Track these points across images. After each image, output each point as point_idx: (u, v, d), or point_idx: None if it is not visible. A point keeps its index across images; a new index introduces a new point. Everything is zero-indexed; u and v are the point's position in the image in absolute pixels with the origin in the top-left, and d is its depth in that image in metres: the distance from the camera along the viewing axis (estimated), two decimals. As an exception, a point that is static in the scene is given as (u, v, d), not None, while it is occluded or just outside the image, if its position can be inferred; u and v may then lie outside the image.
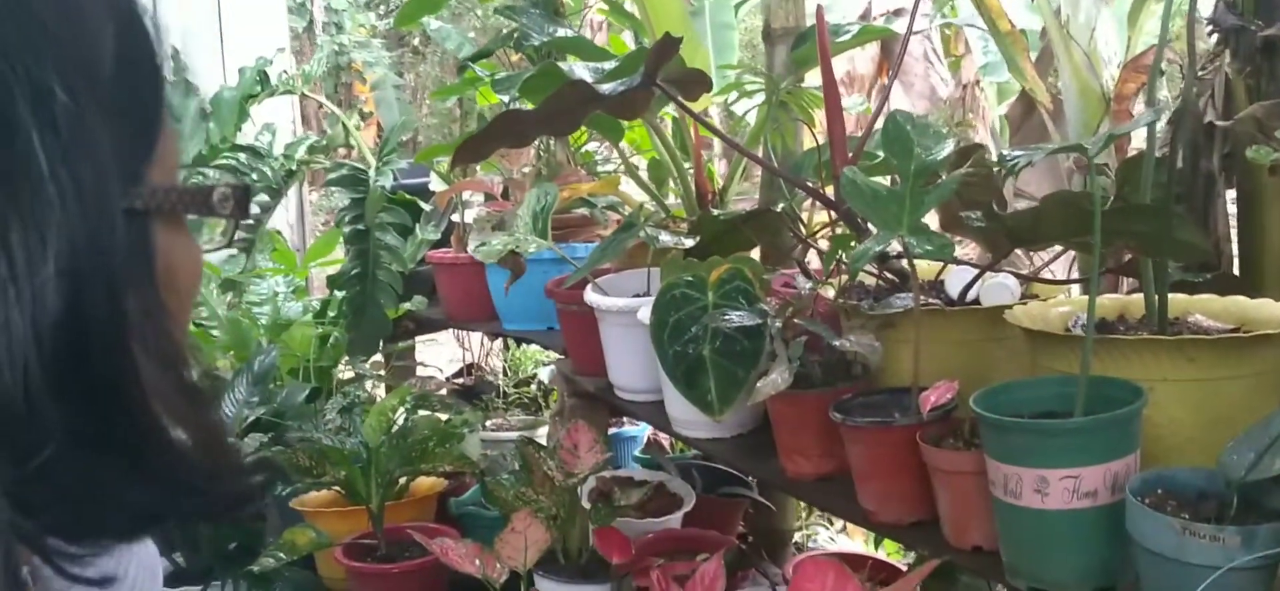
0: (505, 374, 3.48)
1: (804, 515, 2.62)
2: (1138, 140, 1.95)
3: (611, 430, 2.93)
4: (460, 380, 3.52)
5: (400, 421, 2.20)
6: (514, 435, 2.74)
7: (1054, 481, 1.16)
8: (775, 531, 2.36)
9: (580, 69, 1.73)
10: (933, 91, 3.78)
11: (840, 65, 4.17)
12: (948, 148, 1.42)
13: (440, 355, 4.05)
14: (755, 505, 2.37)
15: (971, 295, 1.57)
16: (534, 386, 3.38)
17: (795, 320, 1.55)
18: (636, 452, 2.76)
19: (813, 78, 2.39)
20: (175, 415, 0.51)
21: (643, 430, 2.87)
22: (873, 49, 4.07)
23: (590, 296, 1.92)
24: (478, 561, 1.77)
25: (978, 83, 6.03)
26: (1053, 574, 1.20)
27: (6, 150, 0.44)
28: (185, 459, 0.51)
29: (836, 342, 1.50)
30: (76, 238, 0.45)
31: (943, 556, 1.36)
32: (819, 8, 1.65)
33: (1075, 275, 1.68)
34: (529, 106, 1.69)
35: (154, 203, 0.50)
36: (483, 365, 3.56)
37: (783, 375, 1.50)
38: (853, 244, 1.64)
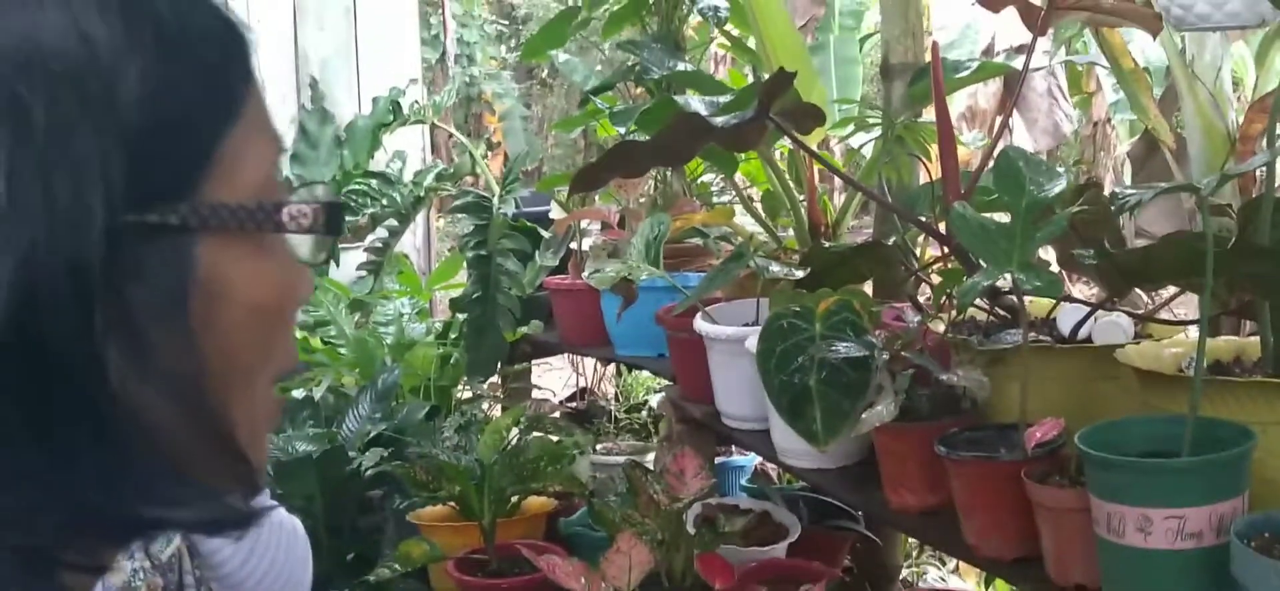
0: (617, 399, 3.54)
1: (913, 553, 2.60)
2: (1260, 181, 1.90)
3: (719, 459, 2.96)
4: (573, 404, 3.58)
5: (513, 440, 2.26)
6: (623, 459, 2.79)
7: (1157, 520, 1.15)
8: (882, 567, 2.35)
9: (696, 102, 1.77)
10: (1056, 128, 3.73)
11: (961, 101, 4.13)
12: (1060, 184, 1.42)
13: (556, 380, 4.12)
14: (862, 539, 2.37)
15: (1083, 333, 1.57)
16: (645, 412, 3.43)
17: (903, 353, 1.56)
18: (744, 482, 2.78)
19: (930, 113, 2.40)
20: (169, 425, 0.51)
21: (751, 460, 2.88)
22: (995, 85, 4.03)
23: (699, 324, 1.95)
24: (583, 579, 1.81)
25: (1108, 120, 5.90)
26: (1155, 614, 1.19)
27: None
28: (166, 468, 0.51)
29: (944, 377, 1.51)
30: (36, 245, 0.46)
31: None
32: (934, 44, 1.67)
33: (1192, 317, 1.65)
34: (644, 138, 1.74)
35: (194, 218, 0.51)
36: (595, 390, 3.62)
37: (888, 407, 1.51)
38: (964, 279, 1.64)
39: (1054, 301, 1.62)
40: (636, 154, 1.68)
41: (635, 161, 1.70)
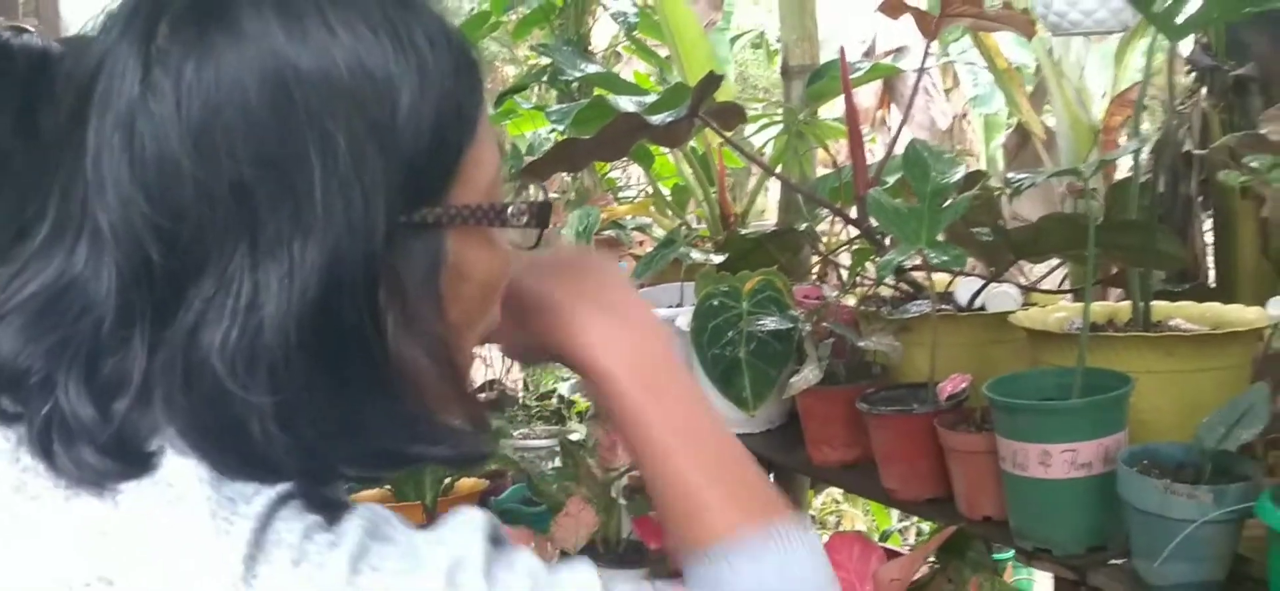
0: (526, 388, 3.67)
1: (817, 511, 2.81)
2: (1123, 167, 2.15)
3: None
4: (484, 394, 3.70)
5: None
6: (542, 443, 2.93)
7: (1056, 454, 1.36)
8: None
9: (626, 102, 1.93)
10: (933, 123, 4.01)
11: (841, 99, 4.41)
12: (959, 172, 1.62)
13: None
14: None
15: (978, 303, 1.78)
16: (554, 399, 3.57)
17: (823, 324, 1.75)
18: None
19: (825, 110, 2.62)
20: (427, 378, 0.65)
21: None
22: (874, 84, 4.31)
23: (630, 307, 2.12)
24: (531, 544, 1.95)
25: (965, 115, 6.26)
26: (1054, 534, 1.40)
27: (295, 183, 0.60)
28: (423, 413, 0.65)
29: (861, 343, 1.70)
30: (340, 244, 0.60)
31: (958, 526, 1.56)
32: (841, 49, 1.86)
33: (1067, 287, 1.89)
34: (582, 136, 1.89)
35: (445, 217, 0.65)
36: (504, 381, 3.74)
37: (813, 372, 1.70)
38: (872, 258, 1.85)
39: (951, 277, 1.83)
40: (579, 150, 1.83)
41: (577, 157, 1.86)
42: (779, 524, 0.77)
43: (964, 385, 1.52)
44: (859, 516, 3.67)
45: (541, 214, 0.73)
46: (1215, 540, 1.25)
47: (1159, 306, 1.64)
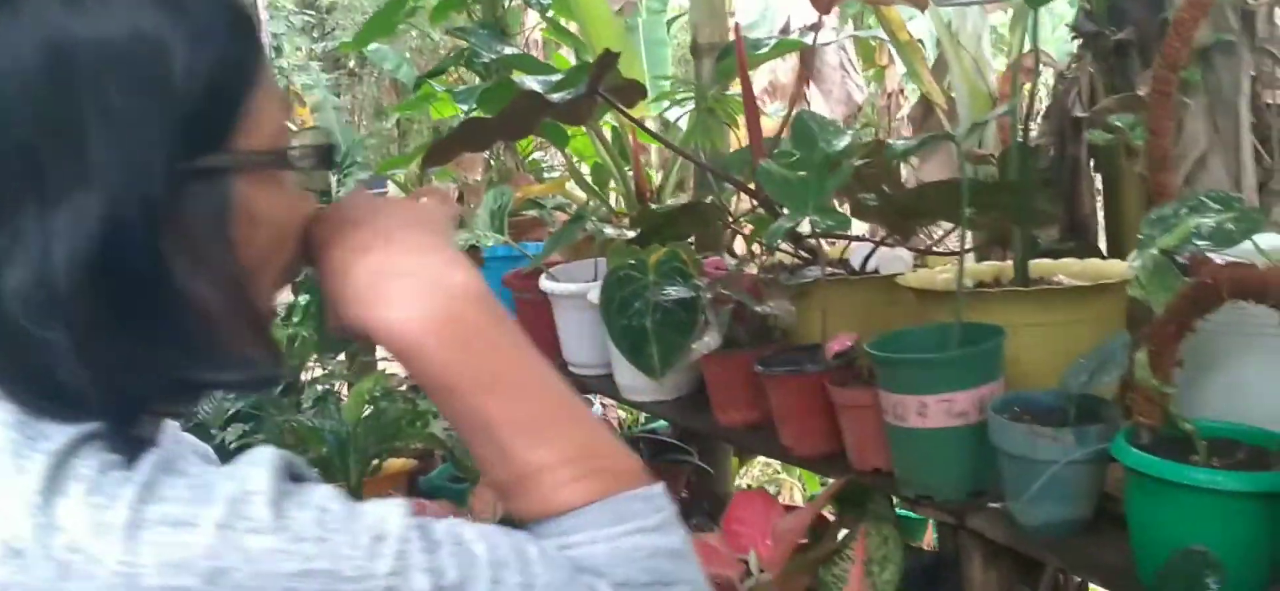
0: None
1: (740, 480, 2.88)
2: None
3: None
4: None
5: (372, 407, 2.42)
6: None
7: (932, 404, 1.43)
8: (715, 494, 2.61)
9: (531, 81, 1.97)
10: (849, 97, 4.08)
11: (763, 76, 4.49)
12: (845, 141, 1.68)
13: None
14: (698, 471, 2.63)
15: (872, 267, 1.85)
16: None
17: (723, 292, 1.81)
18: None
19: (736, 87, 2.67)
20: (218, 312, 0.69)
21: (597, 412, 3.12)
22: (794, 61, 4.38)
23: (545, 283, 2.17)
24: (451, 517, 2.00)
25: (902, 90, 6.37)
26: (934, 480, 1.46)
27: (75, 141, 0.65)
28: (217, 343, 0.69)
29: (758, 308, 1.76)
30: (119, 192, 0.65)
31: (849, 478, 1.62)
32: (736, 26, 1.91)
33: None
34: (488, 116, 1.93)
35: (229, 163, 0.70)
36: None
37: (713, 337, 1.76)
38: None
39: (847, 243, 1.90)
40: (484, 130, 1.87)
41: (483, 136, 1.90)
42: (622, 490, 0.74)
43: (849, 343, 1.58)
44: (796, 483, 3.75)
45: (325, 156, 0.78)
46: (1080, 480, 1.32)
47: (1044, 263, 1.71)
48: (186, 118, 0.68)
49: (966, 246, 1.59)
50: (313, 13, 10.97)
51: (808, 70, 3.93)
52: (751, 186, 1.96)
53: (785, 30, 3.94)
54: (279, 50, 10.23)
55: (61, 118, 0.65)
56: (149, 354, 0.67)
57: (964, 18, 2.30)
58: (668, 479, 2.55)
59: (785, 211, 1.71)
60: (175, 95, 0.68)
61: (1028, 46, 1.73)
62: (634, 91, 1.94)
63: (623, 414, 3.00)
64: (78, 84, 0.65)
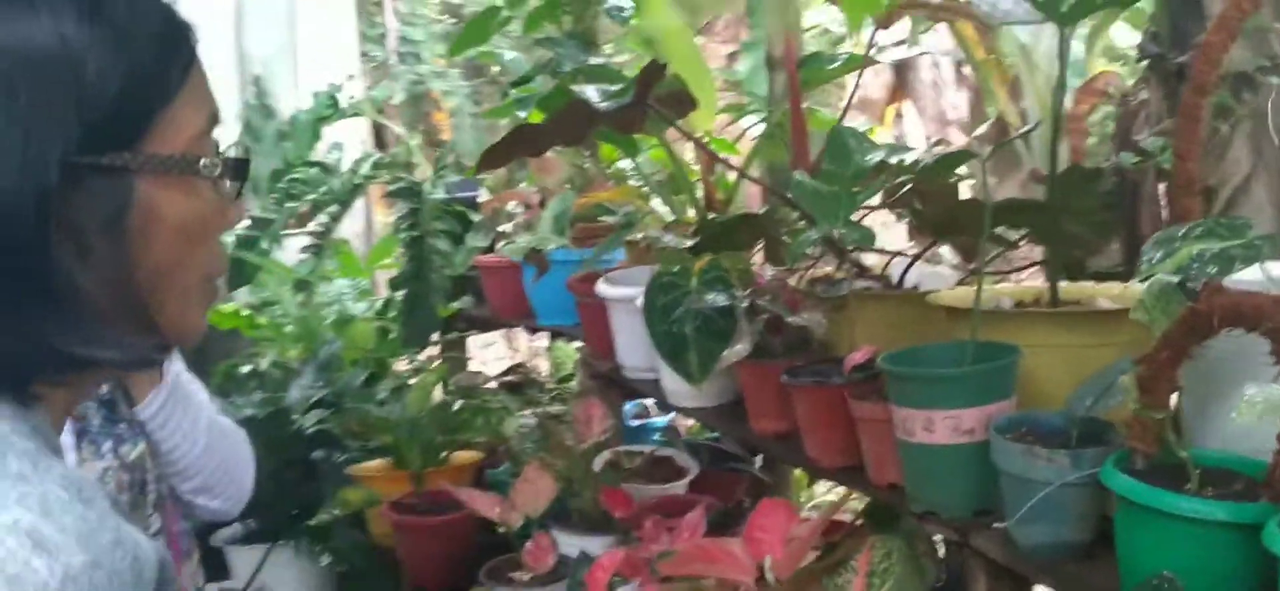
0: (551, 373, 3.80)
1: (805, 493, 2.88)
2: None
3: (640, 421, 3.23)
4: (510, 377, 3.83)
5: (438, 398, 2.51)
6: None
7: (938, 420, 1.43)
8: (773, 504, 2.62)
9: (590, 90, 2.02)
10: (942, 115, 4.03)
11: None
12: (879, 156, 1.69)
13: (494, 356, 4.38)
14: (757, 482, 2.64)
15: (913, 283, 1.85)
16: (573, 382, 3.68)
17: (758, 302, 1.83)
18: (656, 436, 3.05)
19: (816, 98, 2.68)
20: (100, 297, 0.76)
21: (666, 420, 3.15)
22: (886, 75, 4.35)
23: (600, 287, 2.22)
24: (497, 508, 2.06)
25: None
26: (941, 498, 1.46)
27: None
28: (96, 324, 0.76)
29: (791, 319, 1.78)
30: (11, 180, 0.72)
31: (868, 493, 1.63)
32: (788, 42, 1.93)
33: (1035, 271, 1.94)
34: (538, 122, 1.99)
35: (134, 164, 0.77)
36: (529, 365, 3.87)
37: (744, 345, 1.78)
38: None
39: (889, 258, 1.90)
40: (536, 135, 1.93)
41: (534, 142, 1.95)
42: None
43: (868, 356, 1.58)
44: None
45: (238, 169, 0.85)
46: (1078, 503, 1.31)
47: (1087, 287, 1.69)
48: (93, 120, 0.75)
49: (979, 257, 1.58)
50: (454, 21, 11.28)
51: (902, 86, 3.90)
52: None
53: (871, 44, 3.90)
54: (418, 57, 10.55)
55: None
56: (32, 328, 0.75)
57: (1038, 37, 2.27)
58: (725, 485, 2.58)
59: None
60: (83, 99, 0.75)
61: (1085, 67, 1.71)
62: (683, 102, 1.98)
63: (690, 421, 3.03)
64: None
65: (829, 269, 1.98)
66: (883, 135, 4.42)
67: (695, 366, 1.88)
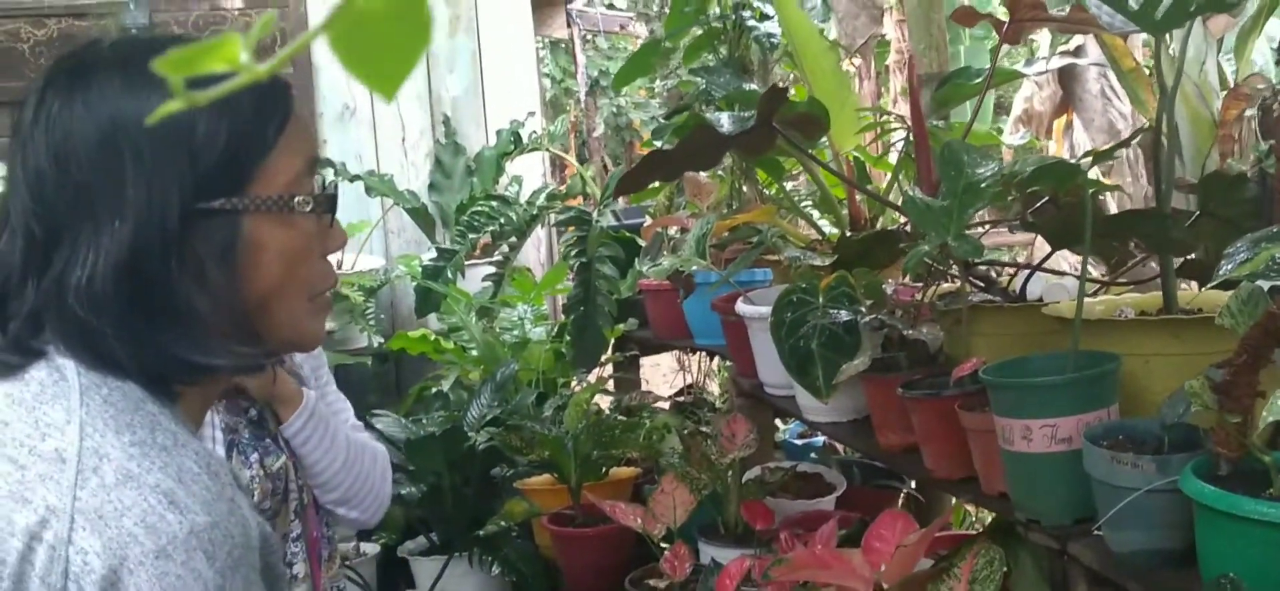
0: (720, 392, 3.88)
1: (968, 515, 2.86)
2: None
3: (803, 440, 3.28)
4: (681, 398, 3.94)
5: (595, 414, 2.63)
6: (714, 440, 3.13)
7: (1036, 429, 1.45)
8: (925, 522, 2.63)
9: (723, 117, 2.11)
10: (1110, 126, 3.90)
11: (1018, 105, 4.38)
12: (992, 168, 1.71)
13: (666, 377, 4.49)
14: (910, 499, 2.65)
15: (1036, 295, 1.85)
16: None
17: (877, 316, 1.87)
18: (814, 454, 3.09)
19: (958, 114, 2.69)
20: (211, 316, 0.91)
21: (824, 438, 3.19)
22: (1051, 89, 4.24)
23: (740, 306, 2.30)
24: (639, 519, 2.17)
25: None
26: (1042, 505, 1.48)
27: (115, 183, 0.88)
28: (208, 338, 0.91)
29: (908, 333, 1.81)
30: (141, 223, 0.87)
31: (980, 503, 1.65)
32: (911, 61, 1.97)
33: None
34: (671, 147, 2.09)
35: (240, 206, 0.92)
36: (701, 385, 3.96)
37: (864, 359, 1.82)
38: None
39: (1014, 270, 1.91)
40: (668, 160, 2.03)
41: (667, 168, 2.05)
42: None
43: (973, 368, 1.61)
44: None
45: (328, 203, 1.00)
46: (1168, 510, 1.31)
47: (1207, 295, 1.67)
48: (203, 171, 0.91)
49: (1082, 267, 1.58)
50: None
51: (1069, 98, 3.80)
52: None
53: (1030, 58, 3.83)
54: (617, 90, 10.83)
55: (110, 168, 0.89)
56: (158, 339, 0.90)
57: (1186, 44, 2.21)
58: (873, 502, 2.60)
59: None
60: (195, 154, 0.90)
61: (1234, 73, 1.69)
62: (812, 125, 2.04)
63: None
64: (122, 144, 0.90)
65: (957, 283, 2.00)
66: (1051, 148, 4.32)
67: (821, 380, 1.93)
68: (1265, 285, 1.27)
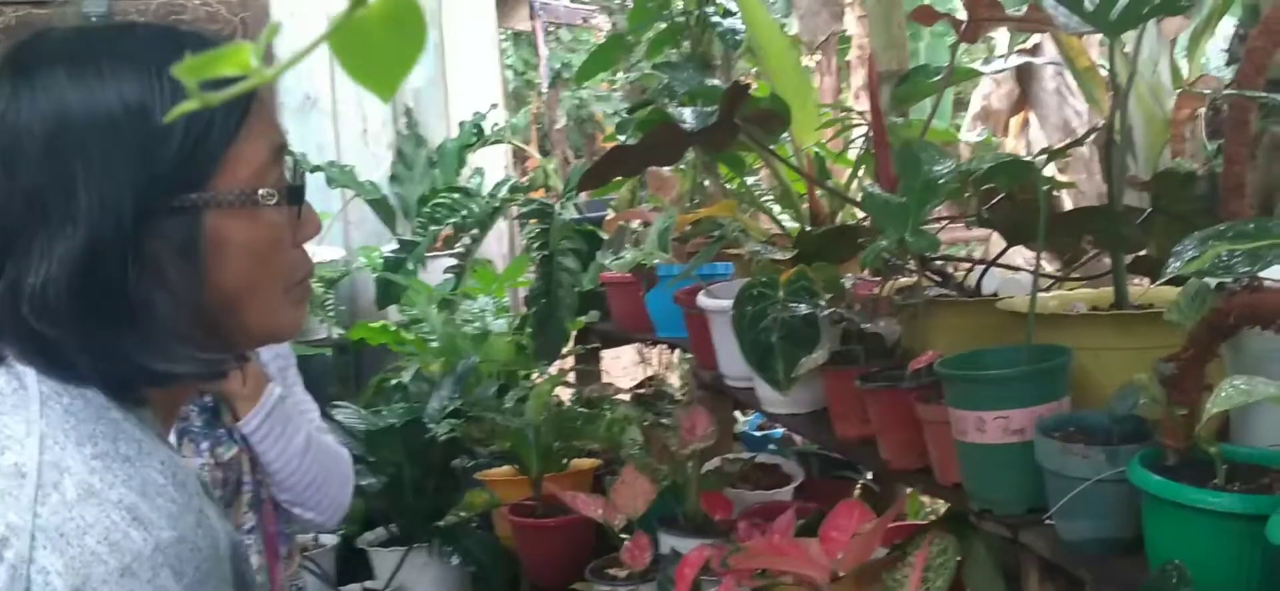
0: (681, 385, 3.91)
1: (923, 505, 2.90)
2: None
3: (761, 432, 3.31)
4: (642, 390, 3.96)
5: (557, 406, 2.65)
6: (674, 432, 3.15)
7: (989, 420, 1.48)
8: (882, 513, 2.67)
9: (687, 112, 2.13)
10: (1066, 124, 3.97)
11: (975, 102, 4.45)
12: (948, 166, 1.74)
13: (627, 370, 4.51)
14: (867, 490, 2.69)
15: (992, 289, 1.89)
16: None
17: (836, 310, 1.90)
18: (774, 445, 3.12)
19: (917, 111, 2.73)
20: (174, 319, 0.88)
21: (783, 429, 3.23)
22: (1008, 86, 4.30)
23: (701, 300, 2.32)
24: (600, 509, 2.18)
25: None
26: (995, 495, 1.51)
27: (66, 186, 0.85)
28: (171, 341, 0.89)
29: (865, 326, 1.84)
30: (96, 225, 0.84)
31: (935, 493, 1.68)
32: (871, 57, 2.00)
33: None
34: (634, 142, 2.11)
35: (200, 203, 0.88)
36: (662, 377, 3.99)
37: (823, 352, 1.85)
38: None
39: (970, 265, 1.94)
40: (630, 156, 2.05)
41: (630, 163, 2.07)
42: None
43: (929, 361, 1.64)
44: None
45: (292, 193, 0.97)
46: (1117, 499, 1.34)
47: (1158, 291, 1.71)
48: (160, 168, 0.88)
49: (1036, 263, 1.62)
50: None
51: (1025, 96, 3.86)
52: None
53: (988, 56, 3.89)
54: (580, 83, 10.83)
55: (58, 169, 0.86)
56: (117, 346, 0.88)
57: (1140, 43, 2.26)
58: (830, 492, 2.64)
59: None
60: (149, 150, 0.87)
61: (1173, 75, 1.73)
62: (774, 121, 2.06)
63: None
64: (71, 142, 0.87)
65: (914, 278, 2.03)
66: (1007, 145, 4.38)
67: (781, 373, 1.96)
68: (1212, 282, 1.31)
